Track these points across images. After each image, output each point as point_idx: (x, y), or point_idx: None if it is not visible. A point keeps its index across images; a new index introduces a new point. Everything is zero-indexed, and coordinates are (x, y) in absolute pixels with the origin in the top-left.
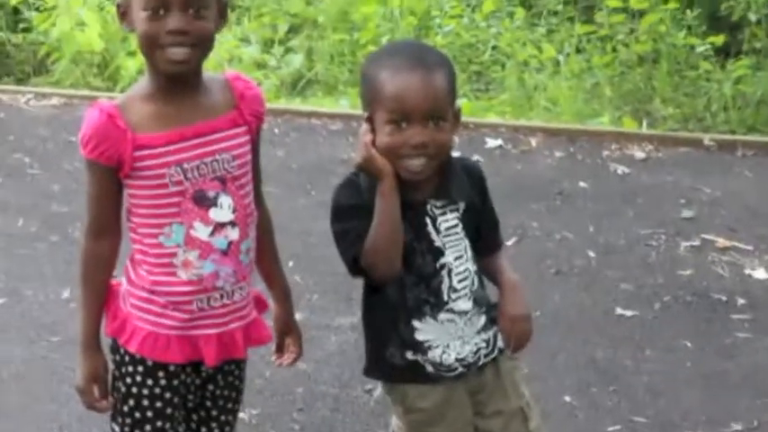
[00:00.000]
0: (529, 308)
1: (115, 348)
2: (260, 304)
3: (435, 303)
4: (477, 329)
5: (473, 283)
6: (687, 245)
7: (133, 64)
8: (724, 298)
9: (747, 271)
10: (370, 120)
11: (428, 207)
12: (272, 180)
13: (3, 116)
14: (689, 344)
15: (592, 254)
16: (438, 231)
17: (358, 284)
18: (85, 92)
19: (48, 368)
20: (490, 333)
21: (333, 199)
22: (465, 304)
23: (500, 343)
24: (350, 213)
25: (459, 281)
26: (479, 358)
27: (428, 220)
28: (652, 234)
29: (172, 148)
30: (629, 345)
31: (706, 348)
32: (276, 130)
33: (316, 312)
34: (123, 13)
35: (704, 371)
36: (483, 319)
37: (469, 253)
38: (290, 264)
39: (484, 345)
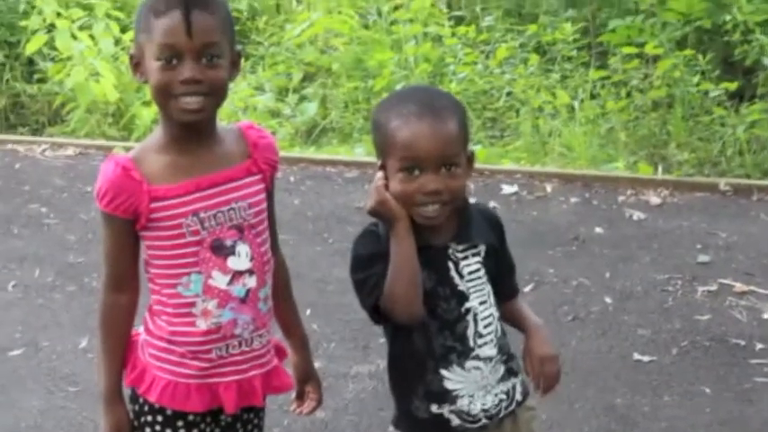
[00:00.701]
0: (556, 349)
1: (134, 398)
2: (279, 352)
3: (462, 351)
4: (498, 379)
5: (497, 330)
6: (704, 290)
7: (148, 113)
8: (742, 343)
9: (765, 315)
10: (383, 167)
11: (450, 251)
12: (289, 228)
13: (19, 166)
14: (707, 389)
15: (608, 300)
16: (461, 276)
17: (375, 333)
18: (101, 141)
19: (65, 419)
20: (509, 384)
21: (352, 249)
22: (491, 350)
23: (518, 395)
24: (369, 262)
25: (485, 326)
26: (500, 410)
27: (450, 265)
28: (669, 279)
29: (188, 198)
30: (648, 391)
31: (725, 394)
32: (292, 179)
33: (333, 361)
34: (136, 64)
35: (723, 416)
36: (503, 368)
37: (492, 298)
38: (308, 312)
39: (504, 396)
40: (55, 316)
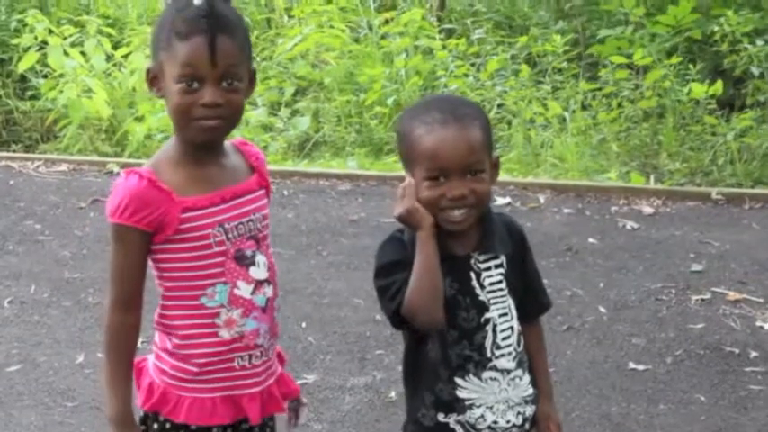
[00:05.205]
0: (558, 416)
1: (154, 419)
2: (279, 359)
3: (479, 360)
4: (525, 398)
5: (518, 344)
6: (697, 298)
7: (140, 129)
8: (736, 351)
9: (759, 323)
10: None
11: (472, 261)
12: (283, 242)
13: (13, 183)
14: (702, 397)
15: (603, 309)
16: (482, 286)
17: (371, 345)
18: (94, 158)
19: None
20: (530, 411)
21: (376, 256)
22: (508, 363)
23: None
24: (392, 269)
25: (504, 338)
26: None
27: (472, 275)
28: (662, 288)
29: (215, 209)
30: (643, 399)
31: (720, 402)
32: (285, 192)
33: (329, 373)
34: (153, 78)
35: (718, 424)
36: (531, 390)
37: (514, 312)
38: (303, 325)
39: (519, 422)
40: (51, 332)
